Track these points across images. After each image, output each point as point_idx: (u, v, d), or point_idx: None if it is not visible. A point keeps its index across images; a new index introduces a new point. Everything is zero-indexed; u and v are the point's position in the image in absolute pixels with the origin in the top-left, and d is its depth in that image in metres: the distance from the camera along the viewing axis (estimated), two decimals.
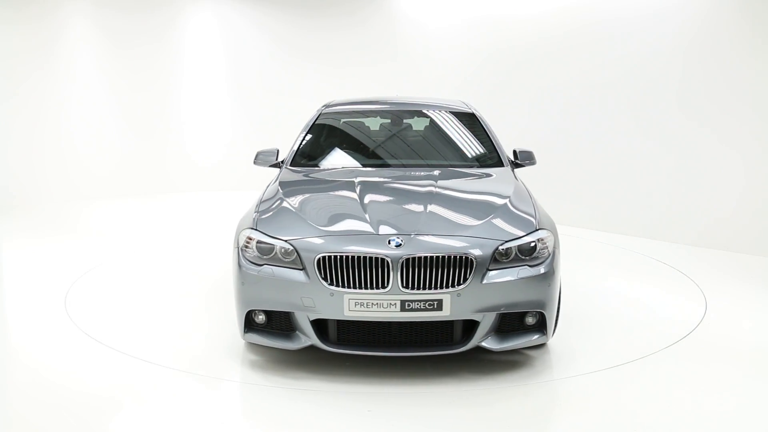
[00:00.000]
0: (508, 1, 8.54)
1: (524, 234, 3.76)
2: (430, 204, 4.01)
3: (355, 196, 4.14)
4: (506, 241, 3.68)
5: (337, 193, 4.39)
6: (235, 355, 4.04)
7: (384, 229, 3.69)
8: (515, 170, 5.00)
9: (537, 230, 3.82)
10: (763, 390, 3.72)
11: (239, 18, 10.68)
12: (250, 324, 3.79)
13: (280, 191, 4.30)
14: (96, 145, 9.79)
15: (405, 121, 5.59)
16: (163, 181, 10.27)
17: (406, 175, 4.74)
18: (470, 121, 5.35)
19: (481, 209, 4.01)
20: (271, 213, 4.00)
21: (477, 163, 4.99)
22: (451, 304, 3.52)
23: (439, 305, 3.51)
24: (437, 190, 4.25)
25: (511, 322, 3.72)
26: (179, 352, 4.11)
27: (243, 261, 3.76)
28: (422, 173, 4.73)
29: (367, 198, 4.10)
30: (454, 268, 3.54)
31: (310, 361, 3.93)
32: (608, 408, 3.46)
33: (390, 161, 5.07)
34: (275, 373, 3.80)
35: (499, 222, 3.85)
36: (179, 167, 10.43)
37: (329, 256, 3.54)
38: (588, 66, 7.80)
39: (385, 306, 3.50)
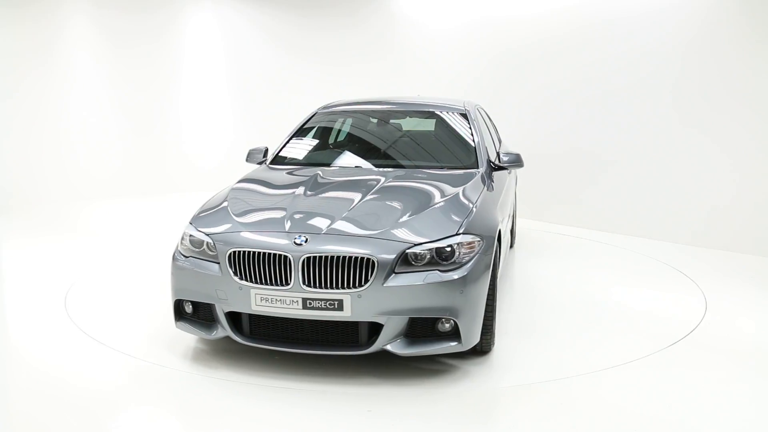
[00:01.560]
0: (507, 2, 8.54)
1: (441, 237, 3.66)
2: (360, 204, 4.01)
3: (292, 193, 4.25)
4: (416, 244, 3.60)
5: (279, 190, 4.44)
6: (238, 355, 4.04)
7: (295, 227, 3.74)
8: (496, 173, 4.96)
9: (458, 234, 3.71)
10: (763, 390, 3.72)
11: (239, 18, 10.69)
12: (180, 314, 3.99)
13: (233, 189, 4.50)
14: (96, 146, 9.79)
15: (396, 122, 5.62)
16: (163, 181, 10.27)
17: (366, 174, 4.70)
18: (461, 121, 5.32)
19: (410, 209, 3.92)
20: (210, 209, 4.19)
21: (450, 164, 4.90)
22: (352, 305, 3.50)
23: (339, 305, 3.51)
24: (378, 189, 4.25)
25: (423, 328, 3.63)
26: (179, 352, 4.11)
27: (176, 254, 3.98)
28: (381, 173, 4.68)
29: (300, 195, 4.20)
30: (355, 269, 3.51)
31: (310, 361, 3.94)
32: (608, 408, 3.46)
33: (364, 162, 5.05)
34: (275, 375, 3.80)
35: (420, 223, 3.77)
36: (179, 167, 10.43)
37: (239, 251, 3.66)
38: (588, 66, 7.80)
39: (287, 303, 3.56)
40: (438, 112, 5.53)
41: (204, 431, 3.24)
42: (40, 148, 9.27)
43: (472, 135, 5.13)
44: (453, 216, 3.87)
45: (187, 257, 3.90)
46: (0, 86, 8.85)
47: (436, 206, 3.99)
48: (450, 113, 5.46)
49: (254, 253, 3.63)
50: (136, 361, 4.00)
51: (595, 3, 7.69)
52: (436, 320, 3.61)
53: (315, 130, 5.57)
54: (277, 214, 3.92)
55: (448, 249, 3.63)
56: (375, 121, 5.62)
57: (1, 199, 8.71)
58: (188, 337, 4.29)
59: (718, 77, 6.79)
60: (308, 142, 5.46)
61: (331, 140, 5.57)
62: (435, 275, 3.55)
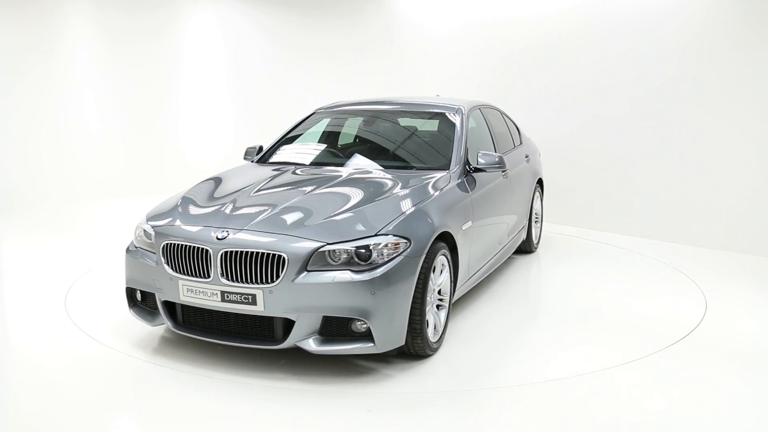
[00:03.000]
0: (507, 3, 8.54)
1: (358, 237, 3.67)
2: (296, 201, 4.07)
3: (246, 188, 4.42)
4: (330, 243, 3.63)
5: (238, 186, 4.54)
6: (240, 355, 4.04)
7: (224, 221, 3.89)
8: (479, 174, 4.86)
9: (378, 235, 3.69)
10: (763, 390, 3.72)
11: (239, 18, 10.68)
12: (134, 301, 4.26)
13: (197, 184, 4.78)
14: (96, 146, 9.78)
15: (386, 123, 5.64)
16: (163, 181, 10.25)
17: (332, 173, 4.72)
18: (449, 122, 5.21)
19: (341, 208, 3.95)
20: (166, 203, 4.43)
21: (423, 165, 4.86)
22: (264, 300, 3.60)
23: (253, 300, 3.62)
24: (324, 187, 4.34)
25: (338, 327, 3.66)
26: (180, 351, 4.11)
27: (130, 245, 4.25)
28: (348, 172, 4.70)
29: (251, 190, 4.36)
30: (268, 265, 3.60)
31: (310, 361, 3.95)
32: (607, 408, 3.46)
33: (341, 161, 5.09)
34: (277, 374, 3.81)
35: (346, 222, 3.79)
36: (179, 167, 10.42)
37: (170, 244, 3.87)
38: (589, 68, 7.79)
39: (208, 295, 3.72)
40: (429, 113, 5.49)
41: (203, 430, 3.24)
42: (40, 148, 9.25)
43: (452, 136, 5.03)
44: (381, 217, 3.86)
45: (137, 248, 4.16)
46: (0, 86, 8.86)
47: (368, 205, 4.00)
48: (441, 114, 5.37)
49: (182, 245, 3.82)
50: (136, 361, 4.00)
51: (595, 3, 7.68)
52: (350, 320, 3.63)
53: (308, 129, 5.70)
54: (217, 209, 4.08)
55: (364, 249, 3.63)
56: (364, 122, 5.66)
57: (1, 199, 8.71)
58: (180, 334, 4.30)
59: (720, 78, 6.79)
60: (299, 141, 5.57)
61: (319, 140, 5.64)
62: (345, 275, 3.57)
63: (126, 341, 4.29)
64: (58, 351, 4.19)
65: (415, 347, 3.88)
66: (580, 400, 3.54)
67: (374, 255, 3.62)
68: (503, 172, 5.37)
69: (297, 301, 3.57)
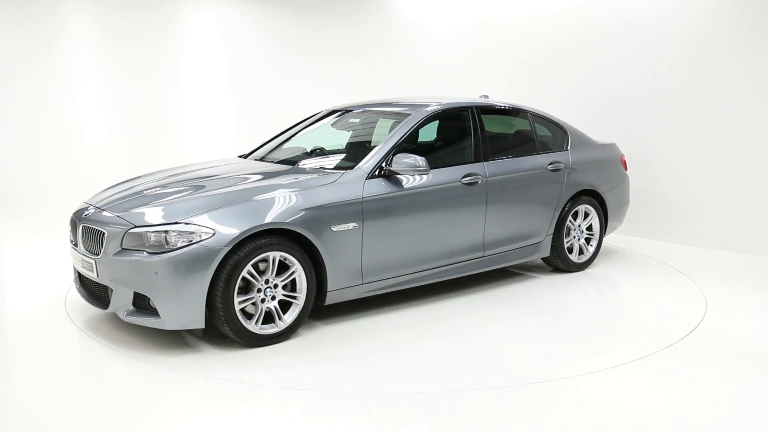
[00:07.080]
0: (507, 4, 8.53)
1: (158, 224, 4.02)
2: (165, 191, 4.50)
3: (171, 176, 4.92)
4: (136, 226, 4.04)
5: (165, 175, 5.04)
6: (238, 355, 4.05)
7: (105, 203, 4.45)
8: (398, 177, 4.67)
9: (175, 223, 3.99)
10: (763, 390, 3.72)
11: (239, 17, 10.67)
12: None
13: (160, 173, 5.21)
14: (95, 146, 9.78)
15: (357, 123, 5.72)
16: None
17: (252, 169, 4.99)
18: (397, 124, 5.11)
19: (185, 196, 4.32)
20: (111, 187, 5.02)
21: (339, 165, 4.82)
22: (97, 269, 4.17)
23: (91, 268, 4.22)
24: (212, 178, 4.73)
25: (144, 301, 4.05)
26: (180, 351, 4.12)
27: None
28: (267, 169, 4.97)
29: (167, 179, 4.82)
30: (98, 240, 4.18)
31: (309, 361, 3.94)
32: (607, 408, 3.46)
33: (272, 159, 5.40)
34: (276, 374, 3.81)
35: (171, 208, 4.15)
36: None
37: (71, 218, 4.60)
38: (587, 70, 7.80)
39: (79, 261, 4.42)
40: (395, 114, 5.35)
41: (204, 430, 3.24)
42: (40, 148, 9.26)
43: (385, 137, 4.92)
44: (197, 207, 4.12)
45: None
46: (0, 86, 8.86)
47: (198, 195, 4.30)
48: (402, 115, 5.20)
49: (71, 219, 4.56)
50: (137, 361, 4.01)
51: (596, 4, 7.68)
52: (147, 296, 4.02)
53: (297, 129, 5.87)
54: (119, 192, 4.64)
55: (162, 234, 3.97)
56: (332, 124, 5.75)
57: (0, 199, 8.70)
58: (181, 334, 4.29)
59: (722, 78, 6.79)
60: (279, 140, 5.81)
61: (292, 139, 5.78)
62: (140, 255, 3.97)
63: (126, 341, 4.29)
64: (58, 351, 4.19)
65: (226, 332, 4.08)
66: (580, 400, 3.54)
67: (172, 240, 3.93)
68: (466, 177, 5.04)
69: (112, 273, 4.10)
